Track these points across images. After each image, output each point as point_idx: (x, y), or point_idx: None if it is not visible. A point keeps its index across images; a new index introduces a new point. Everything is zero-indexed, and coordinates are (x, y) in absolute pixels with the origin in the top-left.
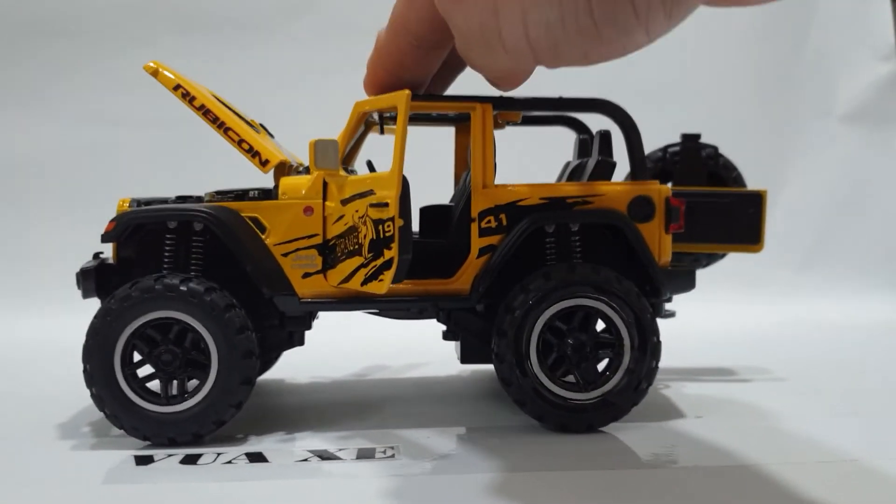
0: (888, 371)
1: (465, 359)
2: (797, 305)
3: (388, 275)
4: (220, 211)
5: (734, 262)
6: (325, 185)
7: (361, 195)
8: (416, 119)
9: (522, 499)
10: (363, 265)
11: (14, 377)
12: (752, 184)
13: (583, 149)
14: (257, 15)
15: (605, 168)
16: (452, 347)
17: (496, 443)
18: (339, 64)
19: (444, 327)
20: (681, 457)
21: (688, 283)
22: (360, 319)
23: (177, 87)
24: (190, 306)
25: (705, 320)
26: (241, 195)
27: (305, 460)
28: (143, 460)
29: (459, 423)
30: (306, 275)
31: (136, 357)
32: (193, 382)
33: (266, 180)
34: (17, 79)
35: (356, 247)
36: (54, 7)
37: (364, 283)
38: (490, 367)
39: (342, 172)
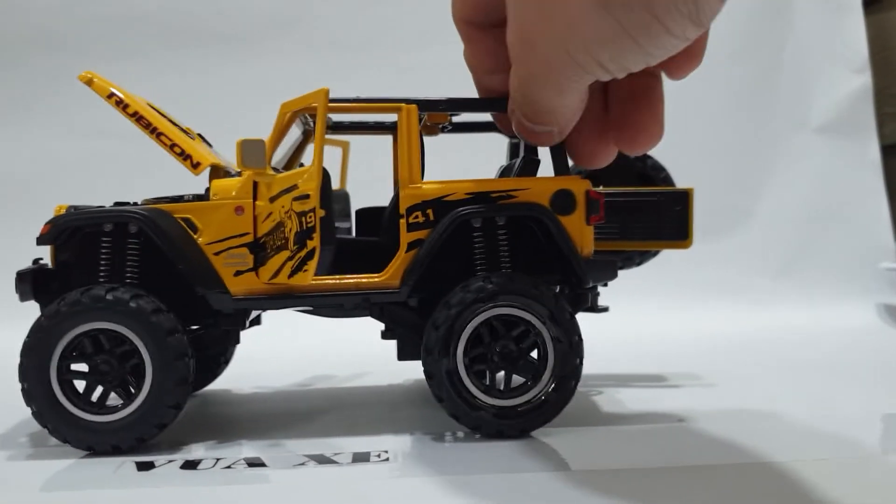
0: (849, 374)
1: (401, 355)
2: (774, 312)
3: (312, 265)
4: (153, 213)
5: (713, 270)
6: (255, 185)
7: (287, 190)
8: (358, 128)
9: (534, 499)
10: (289, 258)
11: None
12: (729, 193)
13: (514, 152)
14: (246, 29)
15: (531, 165)
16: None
17: (487, 444)
18: (327, 78)
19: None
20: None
21: (609, 272)
22: (331, 325)
23: (110, 96)
24: (118, 315)
25: (682, 326)
26: (176, 199)
27: (303, 464)
28: (144, 466)
29: (446, 426)
30: (238, 272)
31: (71, 368)
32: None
33: None
34: (8, 91)
35: (283, 241)
36: (44, 21)
37: (290, 275)
38: None
39: (269, 172)
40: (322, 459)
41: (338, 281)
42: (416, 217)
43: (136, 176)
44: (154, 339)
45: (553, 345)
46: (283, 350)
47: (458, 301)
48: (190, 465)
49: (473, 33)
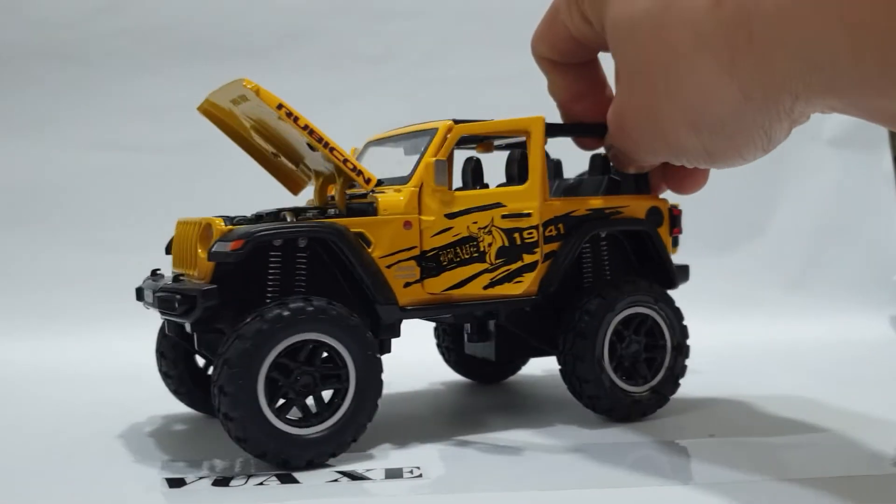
0: (864, 386)
1: (500, 356)
2: (786, 325)
3: (529, 276)
4: (336, 227)
5: (725, 284)
6: (419, 201)
7: (483, 208)
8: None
9: None
10: (487, 270)
11: (25, 401)
12: (741, 207)
13: (593, 164)
14: (259, 43)
15: (615, 184)
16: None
17: (518, 458)
18: (340, 92)
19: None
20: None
21: (685, 276)
22: None
23: (280, 107)
24: (335, 328)
25: (693, 340)
26: (274, 214)
27: (336, 481)
28: (175, 483)
29: (472, 437)
30: (407, 284)
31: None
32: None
33: (264, 202)
34: (26, 105)
35: (475, 254)
36: (56, 34)
37: (490, 286)
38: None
39: (444, 188)
40: (354, 476)
41: (488, 291)
42: (551, 231)
43: (151, 190)
44: (359, 349)
45: (671, 341)
46: None
47: (597, 306)
48: (222, 481)
49: (553, 69)
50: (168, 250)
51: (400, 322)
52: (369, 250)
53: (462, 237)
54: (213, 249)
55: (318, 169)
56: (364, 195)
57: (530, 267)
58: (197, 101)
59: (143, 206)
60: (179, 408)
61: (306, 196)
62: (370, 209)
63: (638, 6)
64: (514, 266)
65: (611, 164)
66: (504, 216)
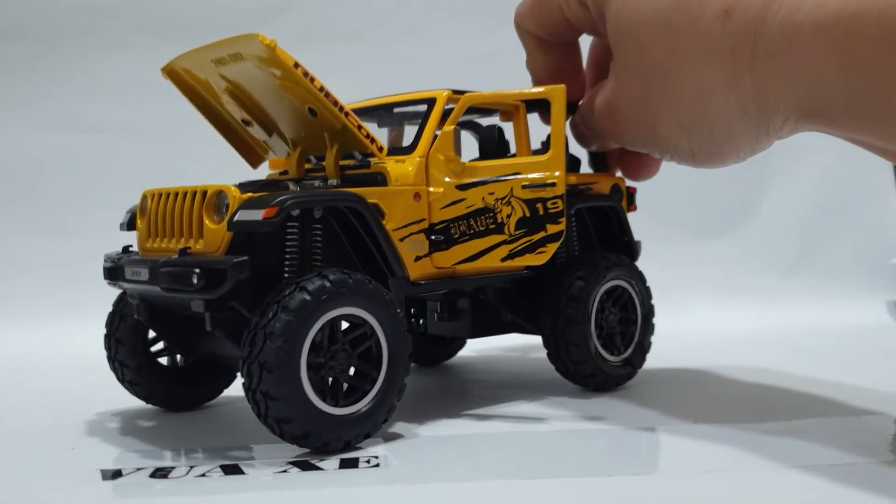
0: (862, 371)
1: (474, 333)
2: (782, 311)
3: (553, 247)
4: (362, 197)
5: (719, 269)
6: (426, 171)
7: (501, 179)
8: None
9: None
10: (506, 241)
11: None
12: (734, 189)
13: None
14: (230, 19)
15: (575, 161)
16: None
17: (484, 447)
18: (314, 70)
19: None
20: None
21: (639, 251)
22: None
23: (296, 65)
24: (372, 303)
25: (688, 327)
26: (256, 185)
27: (284, 471)
28: (111, 475)
29: (428, 424)
30: (417, 258)
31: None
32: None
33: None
34: None
35: (492, 226)
36: (16, 8)
37: (508, 258)
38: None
39: (457, 158)
40: (306, 466)
41: (507, 263)
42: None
43: (115, 172)
44: (391, 325)
45: (641, 314)
46: None
47: (588, 274)
48: (160, 473)
49: (536, 46)
50: (130, 226)
51: (405, 298)
52: (383, 222)
53: (477, 209)
54: (237, 218)
55: (295, 139)
56: (360, 166)
57: (555, 237)
58: (159, 79)
59: (107, 189)
60: (131, 400)
61: (263, 171)
62: (379, 179)
63: (646, 3)
64: (536, 236)
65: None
66: (525, 186)
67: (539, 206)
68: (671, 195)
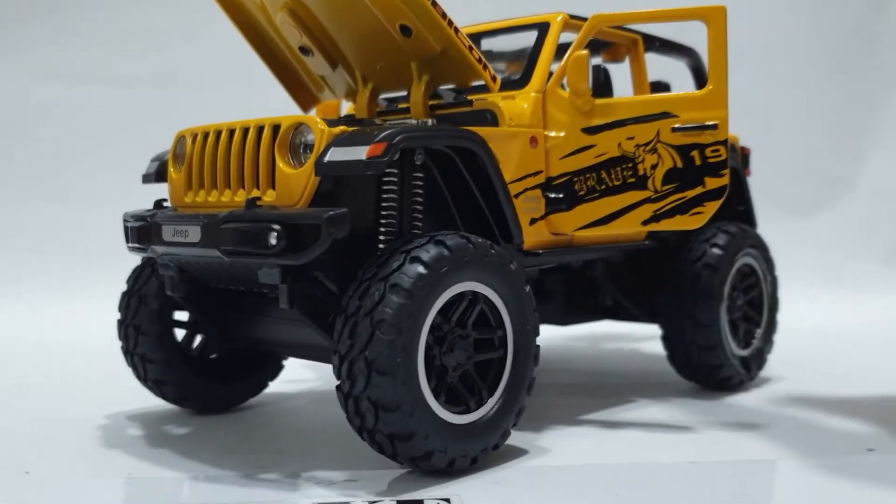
0: None
1: (566, 320)
2: (882, 302)
3: (712, 206)
4: (480, 137)
5: (810, 252)
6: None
7: (644, 119)
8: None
9: None
10: (649, 199)
11: None
12: (827, 161)
13: None
14: None
15: None
16: None
17: (589, 485)
18: None
19: None
20: None
21: None
22: None
23: None
24: (495, 276)
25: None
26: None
27: None
28: None
29: (518, 452)
30: (533, 220)
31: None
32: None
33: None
34: None
35: (631, 180)
36: None
37: (653, 220)
38: None
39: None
40: None
41: (650, 226)
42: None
43: (112, 129)
44: (517, 304)
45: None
46: None
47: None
48: None
49: None
50: (157, 177)
51: None
52: None
53: (610, 158)
54: (329, 158)
55: (366, 72)
56: (456, 104)
57: (715, 194)
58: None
59: (103, 148)
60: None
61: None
62: (489, 118)
63: None
64: (691, 193)
65: None
66: (676, 129)
67: (695, 154)
68: (755, 167)
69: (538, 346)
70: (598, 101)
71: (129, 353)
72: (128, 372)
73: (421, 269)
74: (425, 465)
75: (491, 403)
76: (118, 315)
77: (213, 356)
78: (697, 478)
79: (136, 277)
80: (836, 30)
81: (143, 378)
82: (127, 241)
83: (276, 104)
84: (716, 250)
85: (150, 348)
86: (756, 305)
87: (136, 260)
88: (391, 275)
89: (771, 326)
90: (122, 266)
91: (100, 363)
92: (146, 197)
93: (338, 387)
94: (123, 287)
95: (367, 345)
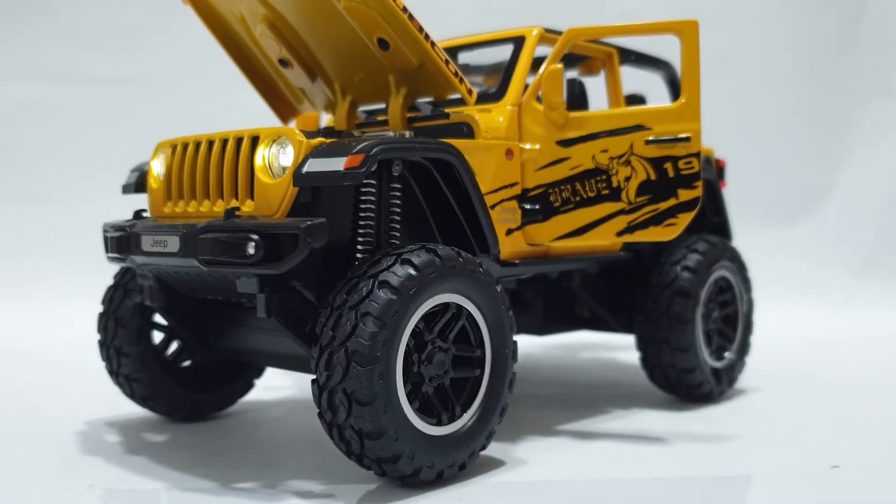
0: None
1: (545, 330)
2: (857, 313)
3: (685, 217)
4: (456, 148)
5: (784, 262)
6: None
7: (618, 132)
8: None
9: None
10: (623, 211)
11: None
12: (802, 170)
13: None
14: None
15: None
16: None
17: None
18: None
19: None
20: None
21: None
22: None
23: None
24: (478, 290)
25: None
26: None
27: None
28: None
29: (517, 462)
30: (509, 231)
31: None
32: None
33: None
34: None
35: (605, 192)
36: None
37: (627, 231)
38: None
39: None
40: None
41: (624, 237)
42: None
43: (86, 129)
44: (495, 318)
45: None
46: None
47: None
48: None
49: None
50: (136, 188)
51: None
52: None
53: (584, 170)
54: (308, 169)
55: (345, 84)
56: (432, 116)
57: (688, 205)
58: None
59: (79, 148)
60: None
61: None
62: (465, 130)
63: None
64: (664, 204)
65: None
66: (650, 141)
67: (668, 166)
68: (730, 177)
69: (514, 372)
70: (573, 113)
71: (109, 347)
72: (101, 379)
73: (411, 270)
74: (390, 468)
75: (464, 420)
76: (100, 308)
77: (187, 363)
78: (664, 495)
79: (115, 285)
80: (812, 40)
81: (115, 373)
82: (106, 251)
83: (251, 104)
84: (686, 274)
85: (126, 342)
86: (731, 323)
87: (106, 262)
88: (381, 272)
89: (744, 347)
90: (91, 267)
91: (69, 367)
92: (119, 200)
93: (313, 380)
94: (97, 286)
95: (349, 337)
